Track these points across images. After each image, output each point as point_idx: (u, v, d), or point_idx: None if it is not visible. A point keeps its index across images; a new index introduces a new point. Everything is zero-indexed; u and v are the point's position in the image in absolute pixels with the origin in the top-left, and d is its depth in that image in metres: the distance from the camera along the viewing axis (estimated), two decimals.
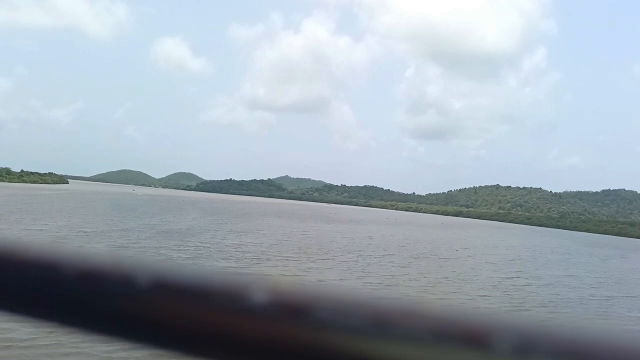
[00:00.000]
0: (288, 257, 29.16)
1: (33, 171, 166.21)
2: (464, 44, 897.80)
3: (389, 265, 29.43)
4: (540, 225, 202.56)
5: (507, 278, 28.71)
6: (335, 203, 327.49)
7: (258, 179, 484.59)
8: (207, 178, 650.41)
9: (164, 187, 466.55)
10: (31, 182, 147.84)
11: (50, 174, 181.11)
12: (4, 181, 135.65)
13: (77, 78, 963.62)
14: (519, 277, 29.65)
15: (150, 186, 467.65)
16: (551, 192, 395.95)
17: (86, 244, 26.55)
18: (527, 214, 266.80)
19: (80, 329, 0.38)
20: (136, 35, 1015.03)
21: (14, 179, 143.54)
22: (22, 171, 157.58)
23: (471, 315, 0.32)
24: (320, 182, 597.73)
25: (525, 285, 26.80)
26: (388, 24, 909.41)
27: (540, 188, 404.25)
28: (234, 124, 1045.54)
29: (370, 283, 22.72)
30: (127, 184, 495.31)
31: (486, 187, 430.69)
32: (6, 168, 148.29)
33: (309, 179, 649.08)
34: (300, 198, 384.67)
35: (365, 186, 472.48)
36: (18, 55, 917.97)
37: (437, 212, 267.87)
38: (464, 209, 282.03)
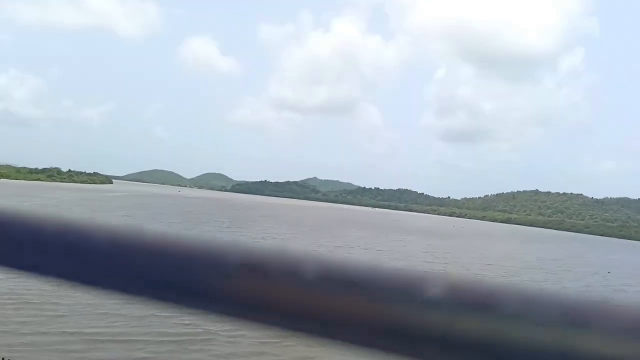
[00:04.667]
0: None
1: (73, 170, 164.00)
2: (500, 43, 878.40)
3: None
4: (602, 235, 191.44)
5: None
6: (373, 207, 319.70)
7: (291, 181, 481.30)
8: (236, 178, 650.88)
9: (198, 188, 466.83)
10: (80, 182, 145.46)
11: (96, 173, 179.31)
12: (56, 181, 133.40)
13: (108, 78, 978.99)
14: None
15: (185, 186, 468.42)
16: (592, 198, 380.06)
17: None
18: (582, 222, 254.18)
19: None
20: (166, 34, 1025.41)
21: (65, 178, 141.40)
22: (70, 171, 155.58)
23: None
24: (348, 184, 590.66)
25: None
26: (420, 23, 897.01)
27: (582, 194, 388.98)
28: (261, 125, 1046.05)
29: None
30: (162, 183, 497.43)
31: (524, 192, 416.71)
32: (56, 168, 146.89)
33: (337, 181, 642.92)
34: (335, 201, 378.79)
35: (399, 189, 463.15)
36: (49, 54, 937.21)
37: (483, 218, 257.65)
38: (513, 216, 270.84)
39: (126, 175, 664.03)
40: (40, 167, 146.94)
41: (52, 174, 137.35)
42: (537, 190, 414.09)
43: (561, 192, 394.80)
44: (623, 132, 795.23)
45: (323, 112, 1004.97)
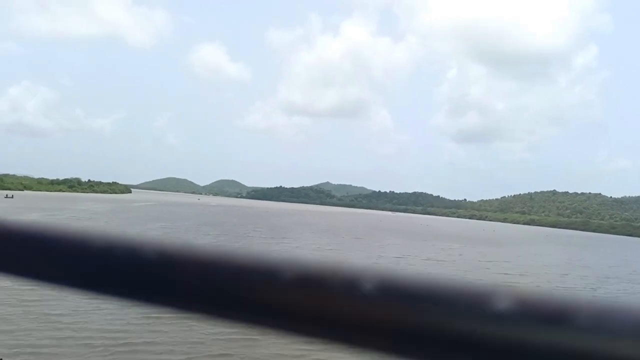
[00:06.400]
0: None
1: (92, 180, 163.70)
2: (511, 42, 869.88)
3: None
4: (629, 235, 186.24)
5: None
6: (392, 211, 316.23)
7: (305, 186, 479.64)
8: (249, 185, 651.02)
9: (213, 195, 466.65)
10: (101, 192, 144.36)
11: (115, 183, 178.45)
12: (77, 191, 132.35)
13: (119, 86, 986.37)
14: None
15: (201, 194, 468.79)
16: (611, 197, 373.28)
17: None
18: (605, 222, 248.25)
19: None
20: (175, 42, 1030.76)
21: (85, 188, 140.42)
22: (90, 181, 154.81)
23: None
24: (361, 187, 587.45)
25: None
26: (430, 23, 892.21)
27: (600, 193, 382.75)
28: (271, 130, 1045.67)
29: None
30: (177, 191, 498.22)
31: (542, 192, 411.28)
32: (76, 178, 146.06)
33: (350, 185, 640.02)
34: (351, 205, 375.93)
35: (414, 192, 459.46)
36: (60, 64, 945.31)
37: (504, 220, 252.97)
38: (534, 217, 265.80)
39: (140, 184, 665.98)
40: (55, 177, 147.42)
41: (72, 184, 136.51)
42: (554, 190, 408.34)
43: (579, 192, 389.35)
44: (638, 130, 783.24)
45: (333, 115, 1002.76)
